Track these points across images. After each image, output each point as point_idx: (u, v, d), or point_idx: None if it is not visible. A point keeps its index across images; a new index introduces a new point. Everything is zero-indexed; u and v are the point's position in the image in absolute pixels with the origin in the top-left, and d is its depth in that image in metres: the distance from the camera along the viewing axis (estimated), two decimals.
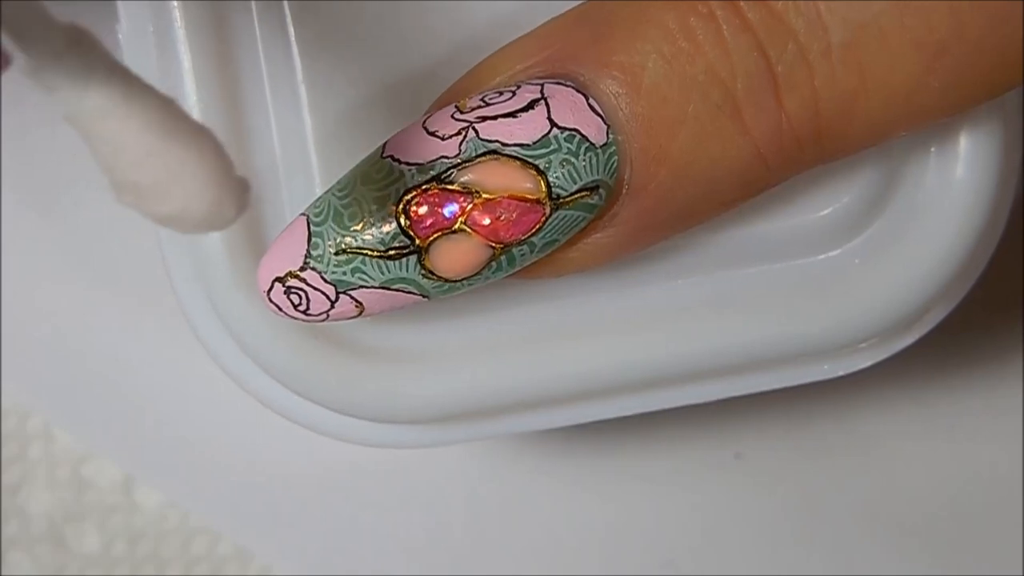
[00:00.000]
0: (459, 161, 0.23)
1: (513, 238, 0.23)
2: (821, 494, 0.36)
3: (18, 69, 0.17)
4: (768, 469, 0.36)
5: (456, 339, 0.27)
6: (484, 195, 0.23)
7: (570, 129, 0.23)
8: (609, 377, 0.27)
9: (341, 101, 0.26)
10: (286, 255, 0.23)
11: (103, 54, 0.18)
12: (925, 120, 0.23)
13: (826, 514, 0.36)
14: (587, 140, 0.23)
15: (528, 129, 0.23)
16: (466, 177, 0.23)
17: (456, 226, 0.23)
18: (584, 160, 0.23)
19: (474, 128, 0.23)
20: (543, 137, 0.23)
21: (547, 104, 0.23)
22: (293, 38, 0.26)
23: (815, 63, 0.22)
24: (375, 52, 0.26)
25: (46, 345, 0.35)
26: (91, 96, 0.18)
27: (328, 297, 0.23)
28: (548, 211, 0.23)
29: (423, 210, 0.23)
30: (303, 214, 0.23)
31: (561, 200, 0.23)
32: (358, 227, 0.23)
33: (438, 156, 0.23)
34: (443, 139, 0.23)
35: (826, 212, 0.27)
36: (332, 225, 0.23)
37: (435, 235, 0.23)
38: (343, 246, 0.23)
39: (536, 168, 0.23)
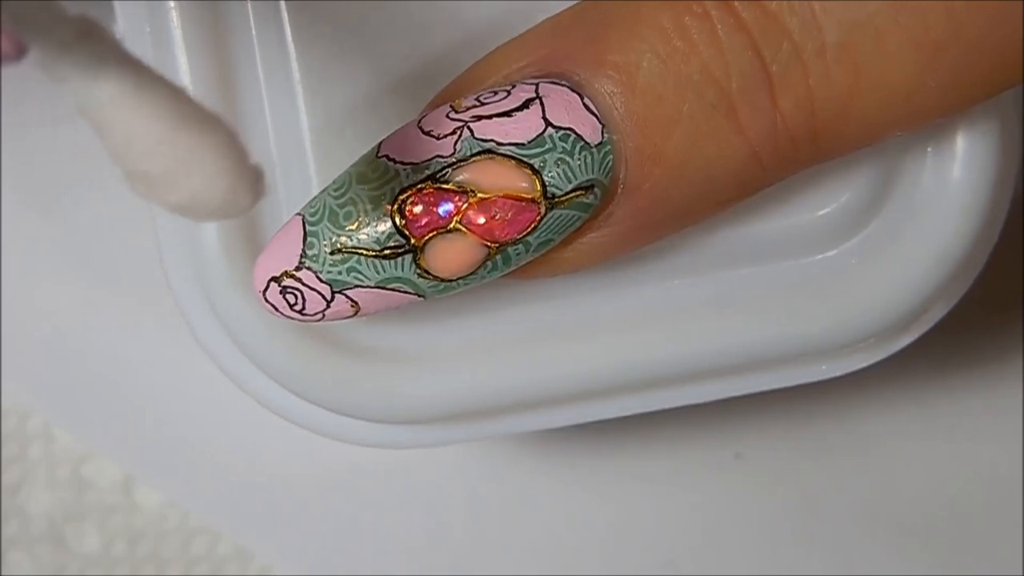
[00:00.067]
0: (454, 160, 0.23)
1: (508, 237, 0.23)
2: (821, 494, 0.36)
3: (27, 61, 0.17)
4: (768, 469, 0.36)
5: (453, 339, 0.27)
6: (479, 194, 0.23)
7: (565, 128, 0.23)
8: (608, 377, 0.27)
9: (337, 101, 0.26)
10: (282, 255, 0.23)
11: (113, 45, 0.18)
12: (922, 120, 0.23)
13: (826, 514, 0.36)
14: (582, 139, 0.23)
15: (523, 128, 0.23)
16: (461, 176, 0.23)
17: (451, 225, 0.23)
18: (579, 159, 0.23)
19: (469, 127, 0.23)
20: (538, 136, 0.23)
21: (542, 103, 0.23)
22: (289, 38, 0.26)
23: (810, 63, 0.22)
24: (371, 52, 0.26)
25: (46, 345, 0.35)
26: (101, 86, 0.18)
27: (324, 297, 0.23)
28: (543, 210, 0.23)
29: (418, 209, 0.23)
30: (299, 214, 0.23)
31: (556, 199, 0.23)
32: (353, 227, 0.23)
33: (433, 155, 0.23)
34: (438, 139, 0.23)
35: (824, 212, 0.27)
36: (328, 225, 0.23)
37: (430, 234, 0.23)
38: (339, 246, 0.23)
39: (531, 167, 0.23)
